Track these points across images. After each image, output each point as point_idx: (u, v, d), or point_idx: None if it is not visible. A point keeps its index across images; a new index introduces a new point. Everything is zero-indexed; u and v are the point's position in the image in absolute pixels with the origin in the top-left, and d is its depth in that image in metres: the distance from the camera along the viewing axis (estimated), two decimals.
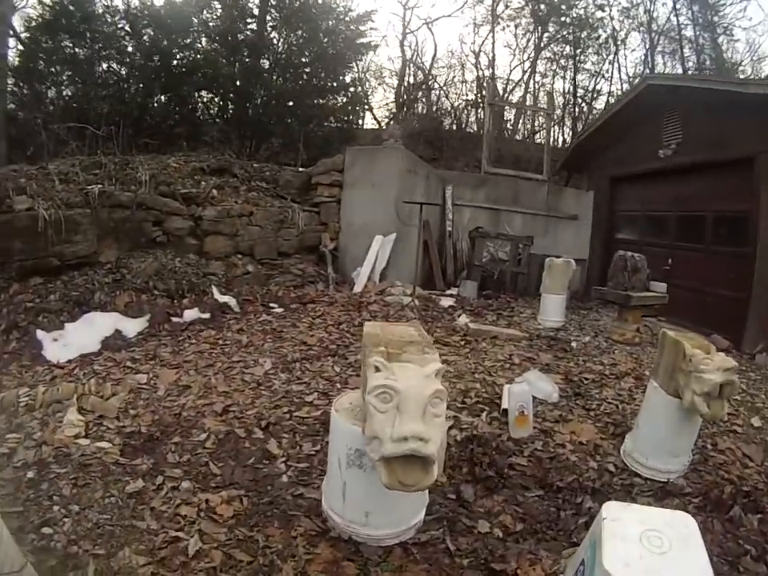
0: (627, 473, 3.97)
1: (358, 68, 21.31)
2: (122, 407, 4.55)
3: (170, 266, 8.42)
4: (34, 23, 14.04)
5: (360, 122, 22.82)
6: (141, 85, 14.51)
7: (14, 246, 7.03)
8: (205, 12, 15.49)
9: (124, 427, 4.21)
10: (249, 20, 15.76)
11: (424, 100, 24.89)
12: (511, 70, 24.81)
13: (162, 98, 15.07)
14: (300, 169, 11.92)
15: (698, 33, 22.27)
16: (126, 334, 6.78)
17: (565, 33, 23.07)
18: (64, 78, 14.43)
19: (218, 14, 15.72)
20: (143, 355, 5.94)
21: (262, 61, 15.59)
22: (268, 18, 16.19)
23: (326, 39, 16.11)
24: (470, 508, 3.34)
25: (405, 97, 24.51)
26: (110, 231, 8.10)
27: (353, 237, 10.76)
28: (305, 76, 16.21)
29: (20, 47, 14.27)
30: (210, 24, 15.56)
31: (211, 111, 16.77)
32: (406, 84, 24.89)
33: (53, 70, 14.08)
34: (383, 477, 2.43)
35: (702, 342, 4.04)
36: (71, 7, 13.39)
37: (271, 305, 8.43)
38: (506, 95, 23.57)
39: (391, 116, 23.86)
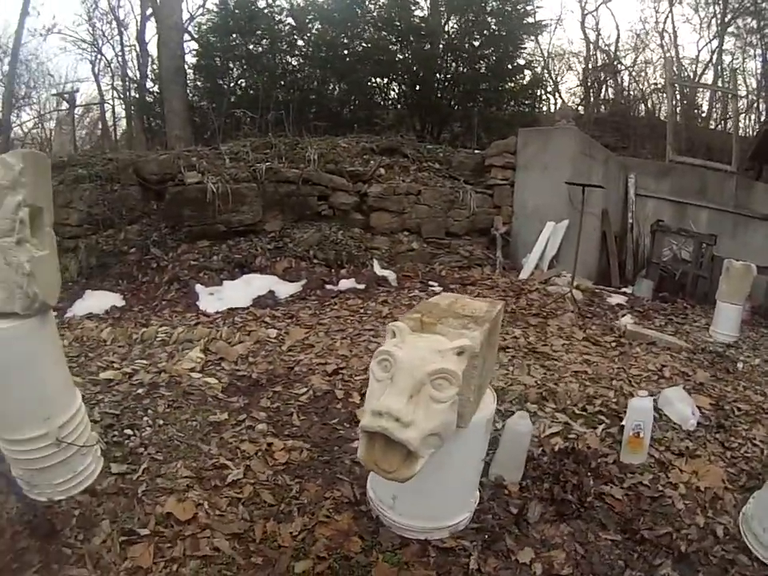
0: (736, 543, 3.02)
1: (535, 50, 21.34)
2: (244, 354, 5.11)
3: (331, 238, 8.93)
4: (205, 27, 16.71)
5: (544, 106, 21.93)
6: (316, 73, 15.74)
7: (185, 213, 8.35)
8: (367, 2, 15.86)
9: (237, 370, 4.76)
10: (413, 7, 15.94)
11: (611, 84, 23.98)
12: (699, 51, 23.62)
13: (339, 85, 16.08)
14: (476, 151, 11.85)
15: None
16: (278, 296, 7.38)
17: (747, 3, 20.76)
18: (238, 71, 16.24)
19: (382, 3, 16.04)
20: (283, 314, 6.48)
21: (433, 46, 15.62)
22: (432, 2, 16.39)
23: (493, 20, 15.98)
24: (526, 530, 2.91)
25: (591, 81, 23.73)
26: (276, 203, 8.90)
27: (524, 221, 10.43)
28: (478, 59, 16.07)
29: (197, 48, 16.63)
30: (374, 13, 15.92)
31: (389, 97, 17.23)
32: (590, 67, 24.10)
33: (229, 65, 15.93)
34: (359, 451, 2.31)
35: None
36: (236, 10, 15.14)
37: (430, 282, 8.45)
38: (696, 78, 22.22)
39: (579, 101, 23.35)
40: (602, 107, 22.25)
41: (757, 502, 3.16)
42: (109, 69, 22.27)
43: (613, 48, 24.32)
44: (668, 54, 22.86)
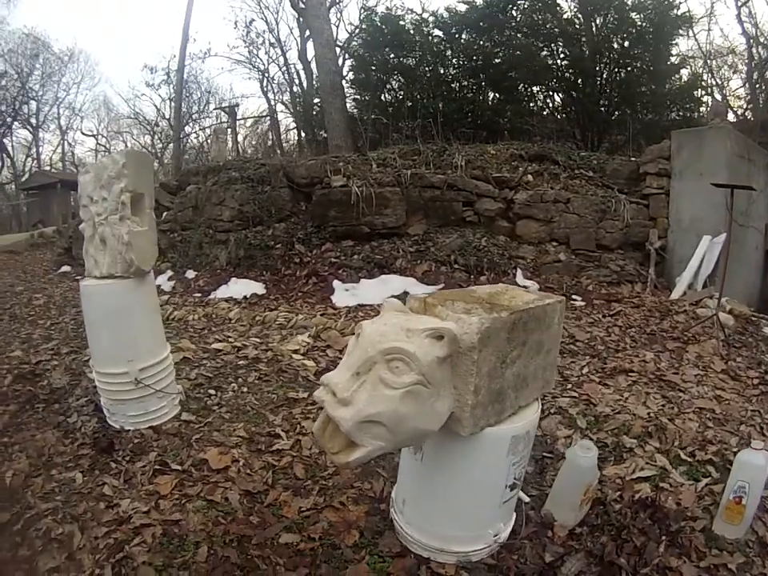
0: None
1: (692, 47, 20.33)
2: None
3: (474, 244, 8.92)
4: (355, 43, 18.51)
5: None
6: (469, 82, 16.00)
7: (330, 214, 9.04)
8: (510, 7, 15.69)
9: (339, 358, 4.76)
10: (556, 10, 15.66)
11: None
12: None
13: (493, 94, 16.37)
14: (632, 158, 11.19)
15: None
16: None
17: None
18: (394, 83, 17.05)
19: (524, 8, 15.84)
20: None
21: (581, 49, 15.33)
22: (570, 3, 16.03)
23: (637, 16, 15.28)
24: None
25: (756, 79, 21.42)
26: (419, 208, 9.20)
27: (681, 235, 9.39)
28: (629, 60, 15.45)
29: (353, 63, 18.45)
30: (518, 19, 15.80)
31: (546, 105, 17.23)
32: (752, 65, 21.51)
33: (383, 78, 16.74)
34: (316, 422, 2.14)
35: None
36: (382, 26, 16.23)
37: (574, 297, 8.11)
38: None
39: (745, 104, 21.73)
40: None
41: None
42: (272, 85, 25.70)
43: None
44: None
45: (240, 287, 8.10)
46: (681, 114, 16.15)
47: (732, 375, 5.47)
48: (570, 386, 4.70)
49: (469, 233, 9.17)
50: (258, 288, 8.05)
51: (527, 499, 2.80)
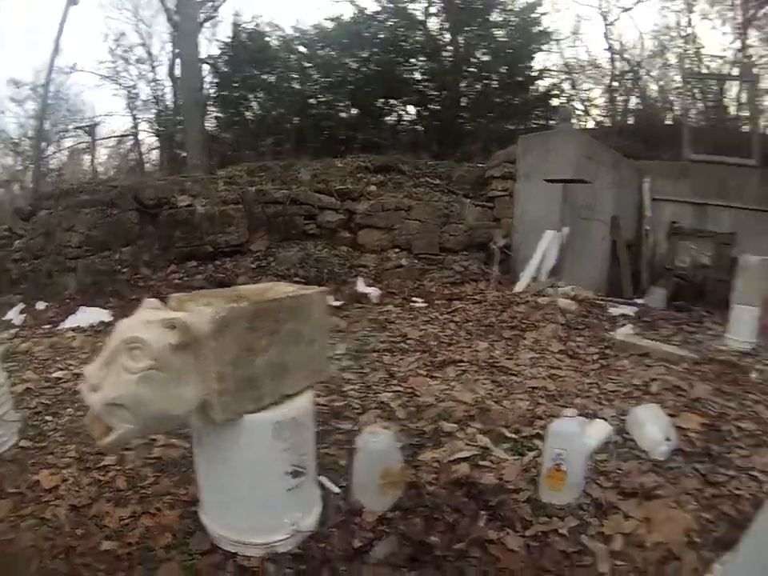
0: None
1: (551, 61, 21.46)
2: None
3: (315, 256, 9.06)
4: (220, 59, 17.75)
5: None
6: (327, 98, 16.14)
7: (176, 234, 8.90)
8: (373, 25, 16.12)
9: None
10: (418, 26, 16.25)
11: (636, 93, 23.43)
12: (724, 50, 23.07)
13: (350, 109, 16.57)
14: (479, 165, 11.66)
15: None
16: None
17: None
18: (255, 100, 17.06)
19: (387, 25, 16.22)
20: None
21: (439, 63, 15.89)
22: (436, 20, 16.70)
23: (498, 32, 16.09)
24: (358, 571, 2.37)
25: (614, 90, 23.39)
26: (262, 224, 9.23)
27: (525, 233, 9.83)
28: (487, 73, 16.21)
29: (216, 80, 17.89)
30: (380, 36, 16.10)
31: (403, 118, 17.52)
32: (613, 77, 23.49)
33: (245, 95, 16.71)
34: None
35: None
36: (248, 42, 16.32)
37: (415, 299, 8.26)
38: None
39: (605, 113, 23.24)
40: (628, 117, 21.96)
41: (724, 570, 2.06)
42: (137, 102, 23.89)
43: (636, 55, 23.78)
44: (688, 51, 22.15)
45: (87, 316, 7.86)
46: (537, 122, 16.81)
47: (570, 354, 5.70)
48: (395, 381, 4.70)
49: (310, 245, 9.30)
50: (105, 315, 7.80)
51: (337, 489, 2.84)
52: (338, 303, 7.74)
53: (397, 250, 9.72)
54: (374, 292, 8.34)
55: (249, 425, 2.34)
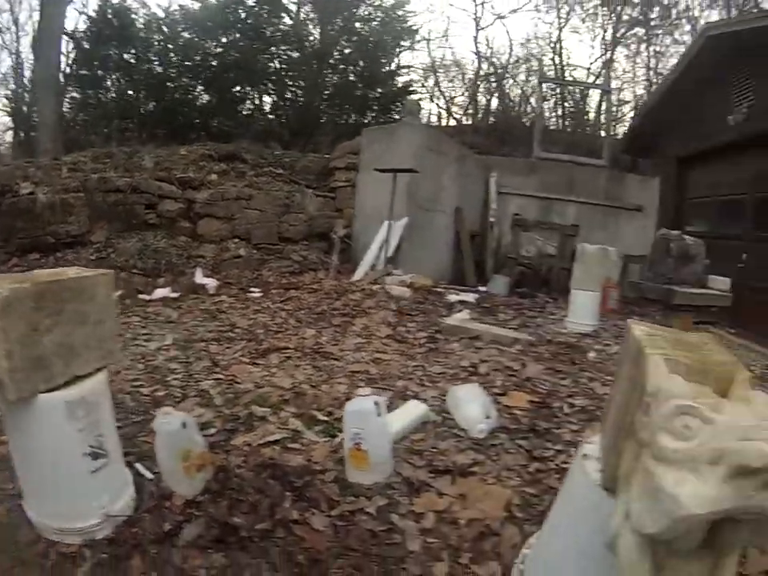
0: None
1: (416, 59, 21.86)
2: None
3: (153, 247, 8.75)
4: (84, 35, 16.34)
5: (428, 116, 23.14)
6: (181, 83, 15.63)
7: (18, 225, 8.41)
8: (240, 10, 15.81)
9: None
10: (283, 14, 16.18)
11: (497, 95, 24.67)
12: (591, 63, 24.76)
13: (207, 95, 16.12)
14: (325, 156, 11.74)
15: None
16: None
17: (635, 14, 22.62)
18: (111, 82, 16.13)
19: (253, 11, 15.98)
20: None
21: (301, 53, 15.85)
22: (303, 9, 16.72)
23: (363, 27, 16.28)
24: (168, 553, 2.33)
25: (476, 91, 24.54)
26: (103, 214, 8.88)
27: (365, 223, 10.01)
28: (347, 66, 16.34)
29: (75, 57, 16.62)
30: (248, 21, 15.86)
31: (259, 107, 17.42)
32: (477, 78, 24.86)
33: (104, 75, 15.82)
34: None
35: (718, 357, 1.65)
36: (113, 18, 15.21)
37: (252, 289, 8.21)
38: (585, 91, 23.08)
39: (463, 112, 24.21)
40: (489, 117, 23.09)
41: (534, 549, 2.16)
42: None
43: (503, 60, 25.15)
44: (555, 62, 24.03)
45: None
46: (394, 117, 16.91)
47: (398, 339, 5.79)
48: (218, 369, 4.64)
49: (149, 236, 9.01)
50: None
51: (150, 475, 2.81)
52: (174, 294, 7.61)
53: (236, 240, 9.63)
54: (211, 283, 8.19)
55: (41, 405, 2.30)
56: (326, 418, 3.60)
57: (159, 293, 7.57)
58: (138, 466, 2.84)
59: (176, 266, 8.59)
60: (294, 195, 10.11)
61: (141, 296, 7.55)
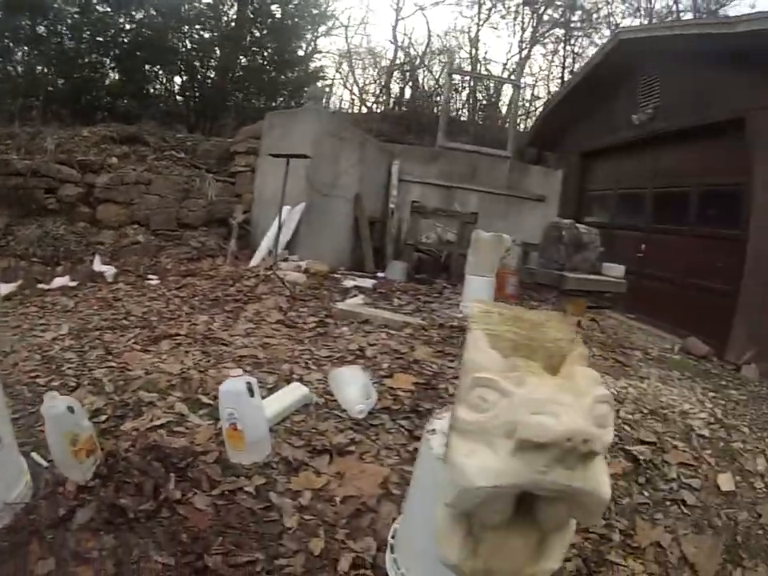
0: None
1: (331, 45, 21.70)
2: None
3: (53, 234, 8.68)
4: None
5: (336, 104, 23.65)
6: (91, 60, 15.00)
7: None
8: None
9: None
10: None
11: (410, 84, 24.99)
12: (508, 59, 25.24)
13: (113, 73, 15.66)
14: (229, 140, 11.78)
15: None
16: None
17: (556, 15, 23.30)
18: (18, 55, 15.30)
19: None
20: None
21: (211, 34, 15.78)
22: None
23: (277, 9, 16.16)
24: (63, 538, 2.46)
25: (389, 80, 25.02)
26: (3, 198, 8.70)
27: (264, 208, 10.11)
28: (258, 49, 16.27)
29: None
30: None
31: (168, 88, 17.12)
32: (391, 67, 25.27)
33: (12, 47, 14.97)
34: None
35: (555, 335, 1.76)
36: None
37: (150, 276, 8.17)
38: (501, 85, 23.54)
39: (375, 100, 24.60)
40: (401, 106, 23.56)
41: (401, 523, 2.38)
42: None
43: (419, 51, 25.43)
44: (473, 56, 24.50)
45: None
46: (300, 102, 16.85)
47: (288, 324, 5.98)
48: (110, 357, 4.67)
49: (49, 222, 8.89)
50: None
51: (45, 463, 2.90)
52: (73, 283, 7.52)
53: (135, 225, 9.58)
54: (109, 271, 8.12)
55: None
56: (210, 402, 3.72)
57: (58, 282, 7.49)
58: (33, 455, 2.94)
59: (75, 254, 8.52)
60: (195, 180, 10.12)
61: (40, 285, 7.47)
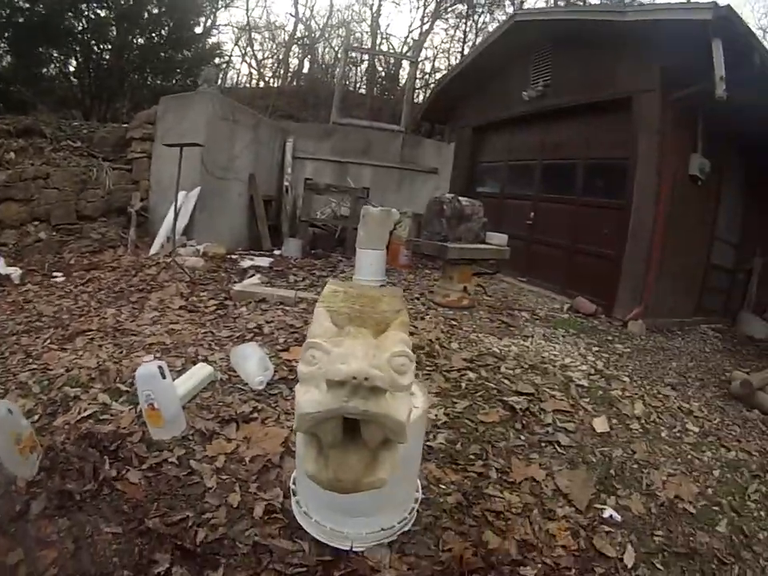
0: (283, 524, 2.87)
1: (229, 21, 21.52)
2: None
3: None
4: None
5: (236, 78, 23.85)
6: None
7: None
8: None
9: None
10: None
11: (309, 58, 25.43)
12: (410, 32, 25.68)
13: (6, 59, 15.09)
14: (124, 125, 11.72)
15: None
16: None
17: None
18: None
19: None
20: None
21: (108, 12, 15.39)
22: None
23: None
24: (24, 528, 2.78)
25: (288, 54, 25.32)
26: None
27: (162, 194, 10.16)
28: (154, 28, 16.11)
29: None
30: None
31: (60, 69, 16.43)
32: (291, 41, 25.51)
33: None
34: None
35: (385, 307, 2.55)
36: None
37: (55, 274, 8.16)
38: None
39: (272, 74, 24.79)
40: (299, 80, 24.05)
41: (297, 474, 2.94)
42: None
43: (320, 24, 25.82)
44: (370, 26, 25.45)
45: None
46: (196, 81, 16.68)
47: (190, 309, 6.52)
48: (31, 360, 4.92)
49: None
50: None
51: None
52: None
53: (36, 222, 9.48)
54: (15, 272, 7.89)
55: None
56: (128, 389, 4.17)
57: None
58: None
59: None
60: (92, 170, 10.14)
61: None
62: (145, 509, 2.89)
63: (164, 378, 3.62)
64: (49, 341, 5.43)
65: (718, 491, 3.64)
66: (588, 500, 3.31)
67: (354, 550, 2.63)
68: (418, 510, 2.95)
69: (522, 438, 4.03)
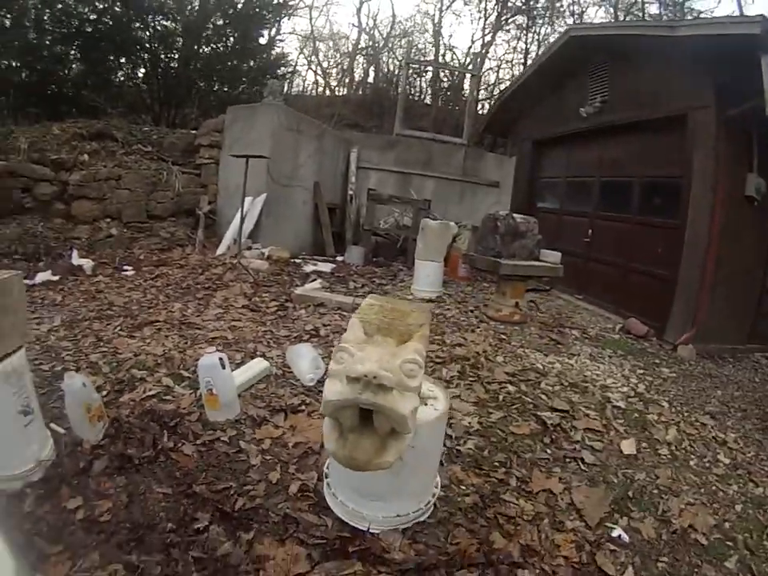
0: (312, 502, 3.22)
1: (292, 31, 21.94)
2: None
3: (32, 231, 9.12)
4: None
5: (300, 88, 24.32)
6: (54, 52, 14.82)
7: None
8: None
9: None
10: None
11: (373, 68, 25.76)
12: (471, 45, 25.91)
13: (77, 66, 15.67)
14: (192, 132, 12.29)
15: (662, 12, 22.31)
16: None
17: (519, 3, 23.55)
18: None
19: None
20: None
21: (174, 24, 16.03)
22: None
23: None
24: (85, 482, 3.17)
25: (353, 63, 25.86)
26: None
27: (228, 199, 10.83)
28: (220, 38, 16.69)
29: None
30: None
31: (132, 79, 17.18)
32: (355, 50, 26.06)
33: None
34: None
35: (411, 321, 2.99)
36: None
37: (125, 267, 8.74)
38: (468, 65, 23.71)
39: (338, 83, 25.24)
40: (364, 89, 24.39)
41: (330, 461, 3.31)
42: None
43: (383, 34, 26.19)
44: (439, 42, 25.42)
45: None
46: (261, 90, 17.08)
47: (252, 308, 7.01)
48: (102, 343, 5.38)
49: (27, 220, 9.34)
50: None
51: (62, 431, 3.59)
52: (56, 278, 7.89)
53: (108, 219, 10.15)
54: (87, 264, 8.50)
55: None
56: (190, 376, 4.65)
57: (41, 277, 7.82)
58: (53, 425, 3.56)
59: (54, 249, 8.93)
60: (162, 173, 10.72)
61: (24, 281, 7.55)
62: (194, 476, 3.29)
63: (223, 368, 4.02)
64: (119, 328, 5.88)
65: (736, 526, 3.57)
66: (600, 517, 3.39)
67: (370, 531, 2.97)
68: (435, 504, 3.25)
69: (548, 451, 4.18)
